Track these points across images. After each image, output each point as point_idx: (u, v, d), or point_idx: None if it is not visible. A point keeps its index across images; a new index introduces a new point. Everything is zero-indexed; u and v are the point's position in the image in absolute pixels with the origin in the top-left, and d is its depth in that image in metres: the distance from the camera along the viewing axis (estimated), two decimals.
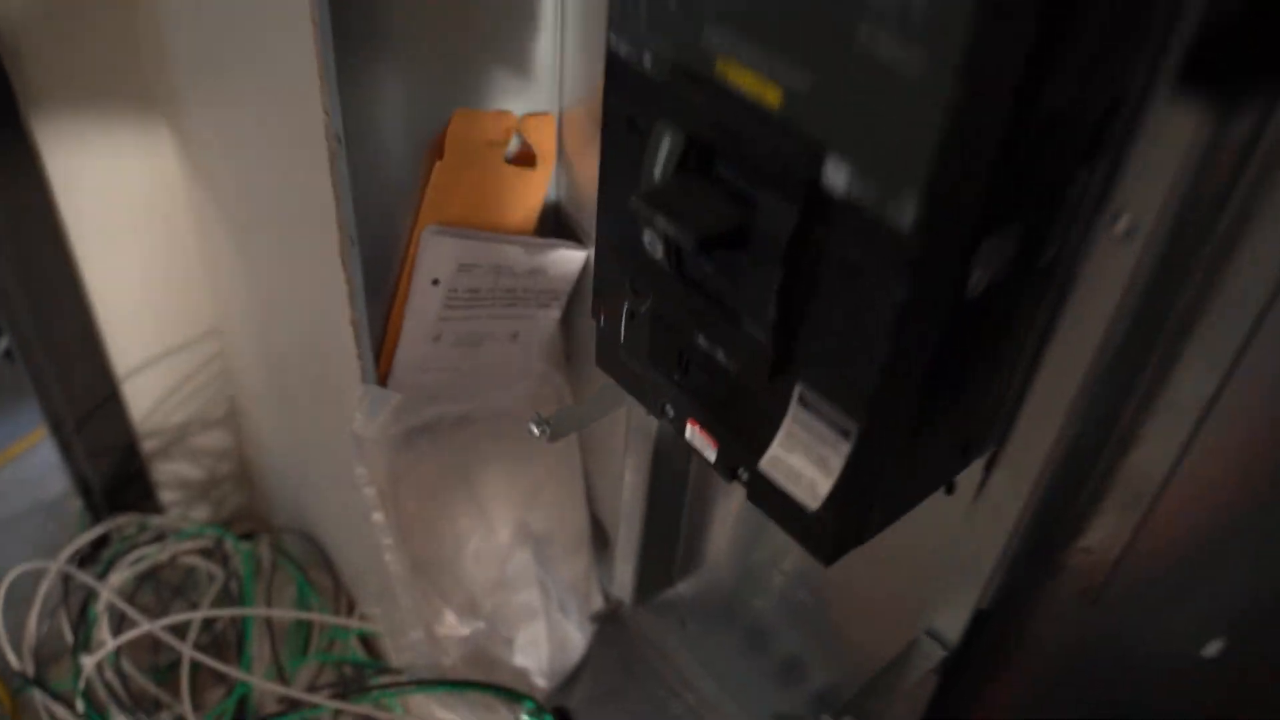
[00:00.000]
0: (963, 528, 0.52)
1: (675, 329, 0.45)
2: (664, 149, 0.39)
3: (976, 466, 0.50)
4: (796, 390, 0.40)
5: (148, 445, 1.06)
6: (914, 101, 0.30)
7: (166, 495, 1.11)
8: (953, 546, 0.52)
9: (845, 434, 0.39)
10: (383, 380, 0.69)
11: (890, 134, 0.32)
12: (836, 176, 0.34)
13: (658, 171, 0.39)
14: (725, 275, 0.40)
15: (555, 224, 0.70)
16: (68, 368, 0.95)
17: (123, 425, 1.02)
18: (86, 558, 1.01)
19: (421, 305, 0.66)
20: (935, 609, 0.55)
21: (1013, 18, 0.28)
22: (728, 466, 0.47)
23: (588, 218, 0.68)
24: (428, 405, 0.70)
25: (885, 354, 0.36)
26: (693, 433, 0.48)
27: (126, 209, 0.94)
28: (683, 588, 0.83)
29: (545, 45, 0.63)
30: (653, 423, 0.71)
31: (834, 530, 0.43)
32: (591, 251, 0.68)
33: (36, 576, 0.94)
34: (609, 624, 0.88)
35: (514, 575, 0.82)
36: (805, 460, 0.41)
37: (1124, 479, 0.47)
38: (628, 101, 0.41)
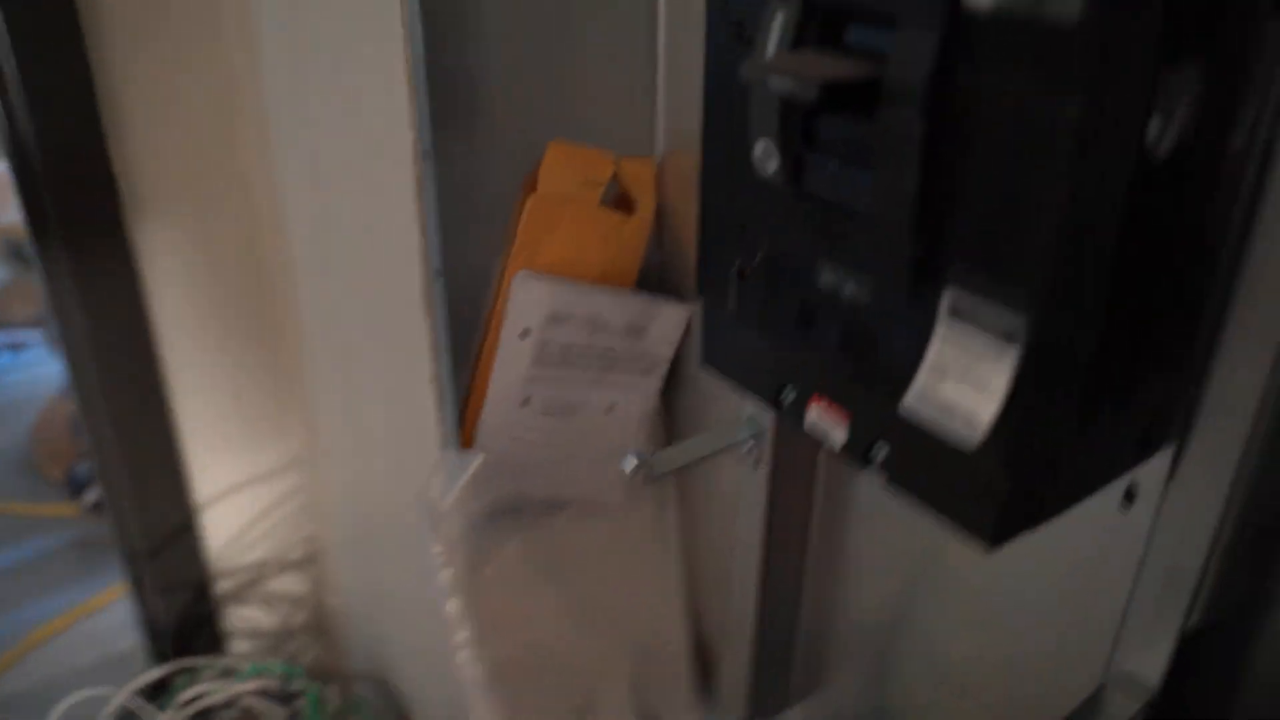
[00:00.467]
0: (1151, 540, 0.42)
1: (795, 273, 0.39)
2: (777, 25, 0.34)
3: (1157, 470, 0.41)
4: (946, 298, 0.33)
5: (221, 586, 1.00)
6: None
7: (238, 645, 1.04)
8: (1140, 566, 0.42)
9: (1010, 337, 0.32)
10: (466, 447, 0.63)
11: None
12: None
13: (772, 52, 0.35)
14: (852, 169, 0.34)
15: (656, 281, 0.66)
16: (147, 490, 0.91)
17: (197, 561, 0.97)
18: (149, 693, 0.94)
19: (510, 360, 0.61)
20: (1125, 649, 0.44)
21: None
22: (862, 442, 0.39)
23: (691, 275, 0.63)
24: (512, 480, 0.64)
25: (1055, 215, 0.29)
26: (818, 414, 0.41)
27: (219, 324, 0.93)
28: (801, 711, 0.72)
29: (646, 87, 0.61)
30: (763, 515, 0.62)
31: (1000, 490, 0.34)
32: (696, 307, 0.63)
33: (98, 704, 0.87)
34: None
35: (604, 696, 0.72)
36: (961, 386, 0.33)
37: None
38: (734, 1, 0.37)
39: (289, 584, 1.05)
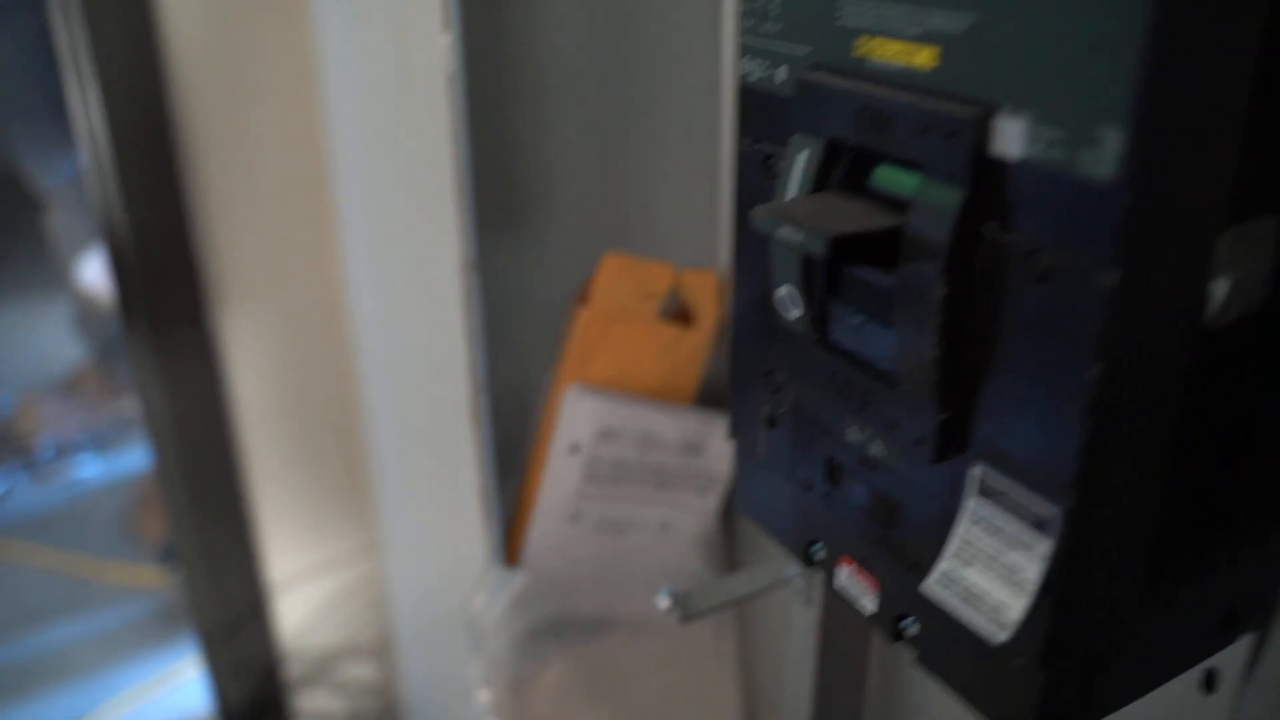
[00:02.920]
0: None
1: (821, 425, 0.35)
2: (799, 165, 0.32)
3: (1244, 649, 0.36)
4: (974, 472, 0.29)
5: (292, 670, 1.00)
6: (1098, 19, 0.22)
7: None
8: None
9: (1043, 526, 0.28)
10: (511, 563, 0.60)
11: (1080, 47, 0.23)
12: (1010, 133, 0.25)
13: (791, 196, 0.32)
14: (875, 323, 0.31)
15: (718, 396, 0.63)
16: (221, 571, 0.92)
17: (269, 643, 0.97)
18: None
19: (559, 475, 0.58)
20: None
21: None
22: (891, 615, 0.35)
23: None
24: (559, 597, 0.61)
25: (1092, 395, 0.25)
26: (847, 576, 0.37)
27: (296, 411, 0.94)
28: None
29: (709, 195, 0.59)
30: (815, 656, 0.58)
31: (1033, 692, 0.30)
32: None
33: None
34: None
35: None
36: (989, 573, 0.29)
37: None
38: (764, 135, 0.35)
39: (359, 672, 1.04)
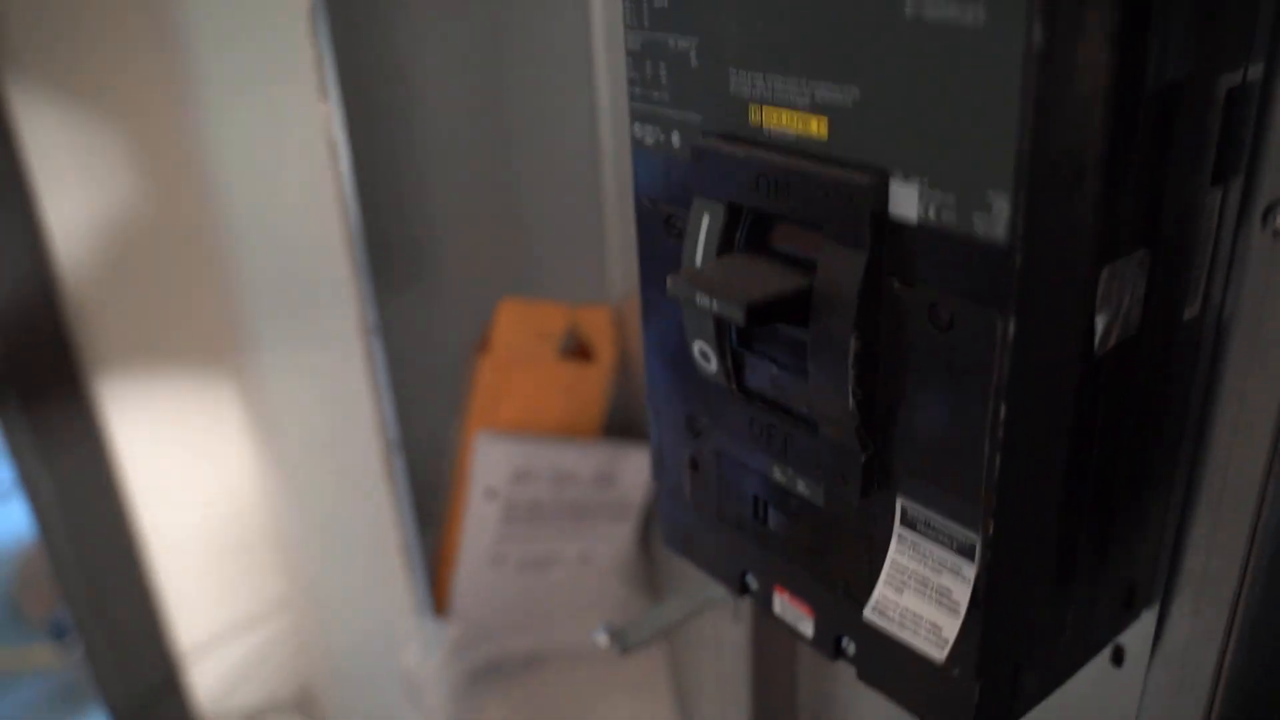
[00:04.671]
0: (1142, 702, 0.40)
1: (745, 466, 0.37)
2: (704, 229, 0.33)
3: (1148, 622, 0.39)
4: (898, 506, 0.32)
5: None
6: (984, 60, 0.24)
7: None
8: None
9: (967, 552, 0.30)
10: (440, 612, 0.61)
11: (962, 120, 0.25)
12: (906, 198, 0.27)
13: (699, 259, 0.34)
14: (791, 373, 0.33)
15: (623, 425, 0.64)
16: (126, 645, 0.89)
17: (185, 712, 0.94)
18: None
19: (478, 522, 0.59)
20: None
21: None
22: (830, 637, 0.37)
23: None
24: (490, 640, 0.62)
25: (1001, 433, 0.27)
26: (782, 604, 0.39)
27: (189, 473, 0.91)
28: None
29: (601, 232, 0.60)
30: (748, 669, 0.60)
31: (976, 696, 0.32)
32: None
33: None
34: None
35: None
36: (922, 598, 0.31)
37: None
38: (662, 196, 0.36)
39: None
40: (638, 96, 0.36)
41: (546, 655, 0.65)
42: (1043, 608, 0.33)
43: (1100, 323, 0.29)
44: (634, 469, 0.62)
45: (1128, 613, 0.38)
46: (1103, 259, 0.28)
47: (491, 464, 0.58)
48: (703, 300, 0.30)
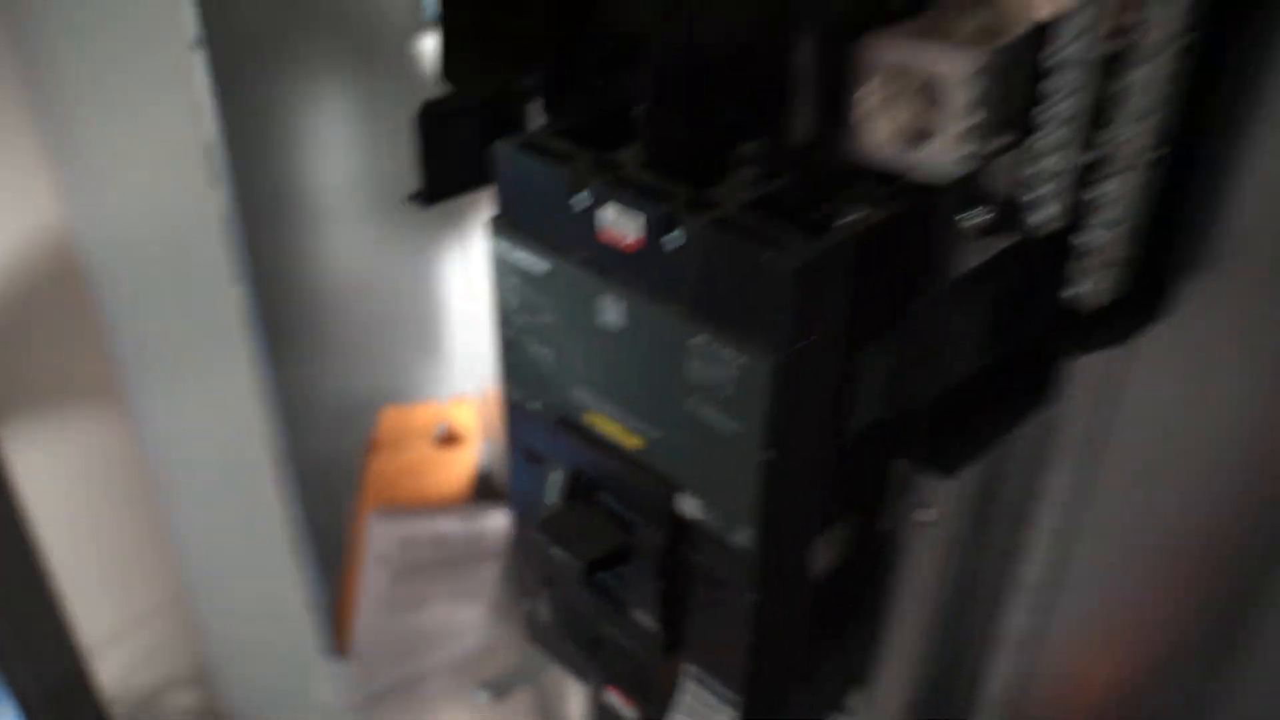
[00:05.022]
0: None
1: (585, 618, 0.52)
2: (554, 481, 0.47)
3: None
4: (686, 668, 0.47)
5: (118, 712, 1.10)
6: (735, 456, 0.39)
7: None
8: None
9: (733, 705, 0.46)
10: (343, 654, 0.75)
11: (723, 478, 0.40)
12: (690, 508, 0.42)
13: (552, 498, 0.48)
14: (618, 580, 0.48)
15: (489, 489, 0.78)
16: (31, 644, 0.99)
17: (92, 700, 1.06)
18: None
19: (372, 584, 0.72)
20: None
21: (801, 410, 0.37)
22: None
23: None
24: (385, 670, 0.76)
25: (750, 643, 0.43)
26: (612, 697, 0.55)
27: (84, 489, 1.00)
28: None
29: (467, 333, 0.73)
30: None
31: None
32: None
33: None
34: None
35: None
36: None
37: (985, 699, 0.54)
38: (525, 437, 0.49)
39: (186, 702, 1.15)
40: (506, 365, 0.48)
41: (433, 675, 0.80)
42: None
43: (817, 566, 0.44)
44: (497, 526, 0.76)
45: (847, 691, 0.56)
46: (819, 535, 0.43)
47: (382, 538, 0.71)
48: (556, 553, 0.45)
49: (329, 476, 0.70)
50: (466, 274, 0.70)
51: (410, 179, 0.47)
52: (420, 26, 0.63)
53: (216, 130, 0.60)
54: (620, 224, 0.38)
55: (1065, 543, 0.47)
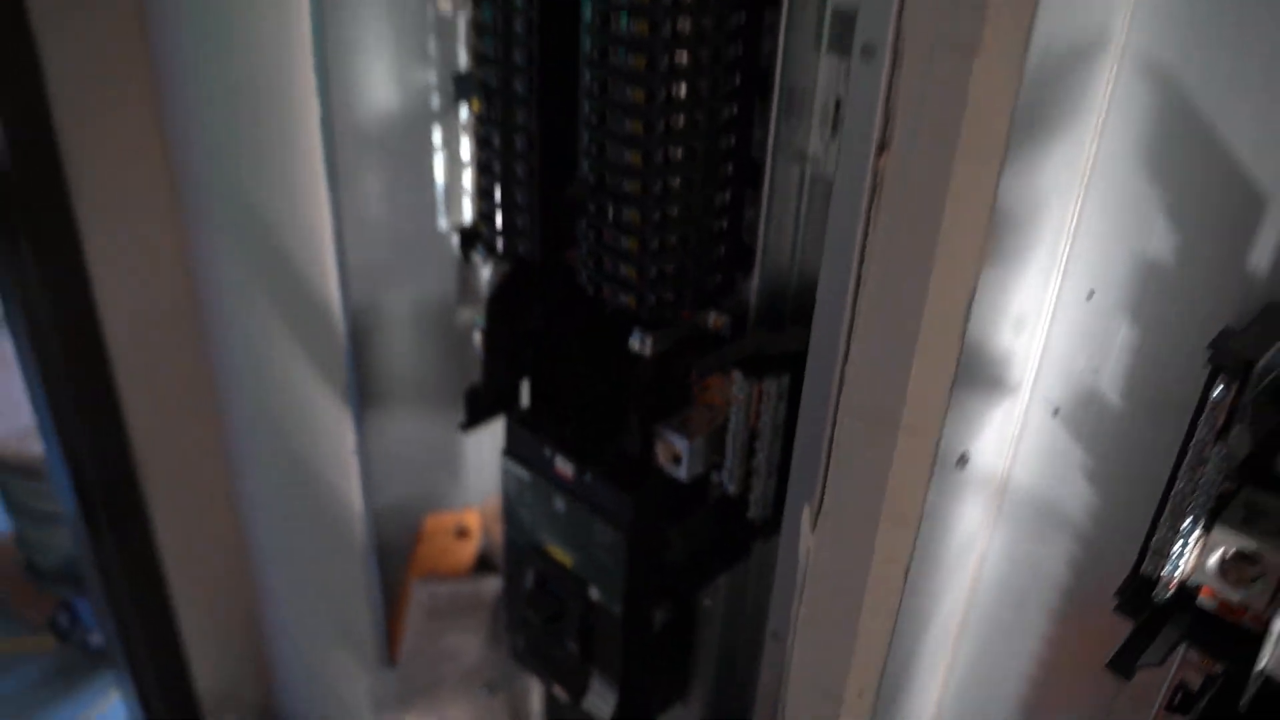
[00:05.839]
0: None
1: (543, 646, 0.98)
2: (528, 576, 0.94)
3: None
4: (593, 671, 0.94)
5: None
6: (612, 574, 0.86)
7: None
8: None
9: (615, 691, 0.93)
10: (395, 662, 1.21)
11: (608, 582, 0.87)
12: (593, 593, 0.89)
13: (528, 584, 0.94)
14: (559, 628, 0.94)
15: (486, 564, 1.25)
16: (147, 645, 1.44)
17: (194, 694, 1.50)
18: None
19: (413, 621, 1.19)
20: None
21: (642, 559, 0.84)
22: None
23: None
24: (418, 675, 1.23)
25: (622, 660, 0.90)
26: (557, 690, 1.01)
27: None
28: None
29: (474, 471, 1.19)
30: None
31: None
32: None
33: None
34: None
35: None
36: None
37: None
38: (514, 554, 0.96)
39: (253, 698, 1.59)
40: (507, 517, 0.95)
41: (445, 683, 1.26)
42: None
43: (655, 622, 0.91)
44: (490, 587, 1.23)
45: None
46: (656, 607, 0.90)
47: (420, 593, 1.18)
48: (529, 612, 0.91)
49: (395, 535, 1.16)
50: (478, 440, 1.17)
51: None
52: None
53: None
54: (563, 465, 0.85)
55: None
